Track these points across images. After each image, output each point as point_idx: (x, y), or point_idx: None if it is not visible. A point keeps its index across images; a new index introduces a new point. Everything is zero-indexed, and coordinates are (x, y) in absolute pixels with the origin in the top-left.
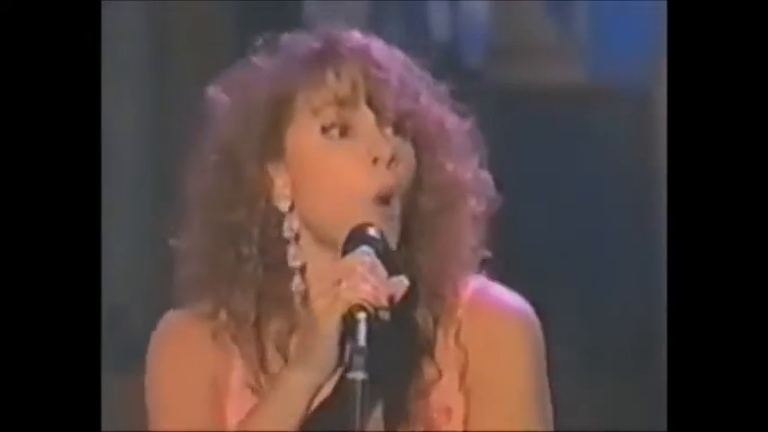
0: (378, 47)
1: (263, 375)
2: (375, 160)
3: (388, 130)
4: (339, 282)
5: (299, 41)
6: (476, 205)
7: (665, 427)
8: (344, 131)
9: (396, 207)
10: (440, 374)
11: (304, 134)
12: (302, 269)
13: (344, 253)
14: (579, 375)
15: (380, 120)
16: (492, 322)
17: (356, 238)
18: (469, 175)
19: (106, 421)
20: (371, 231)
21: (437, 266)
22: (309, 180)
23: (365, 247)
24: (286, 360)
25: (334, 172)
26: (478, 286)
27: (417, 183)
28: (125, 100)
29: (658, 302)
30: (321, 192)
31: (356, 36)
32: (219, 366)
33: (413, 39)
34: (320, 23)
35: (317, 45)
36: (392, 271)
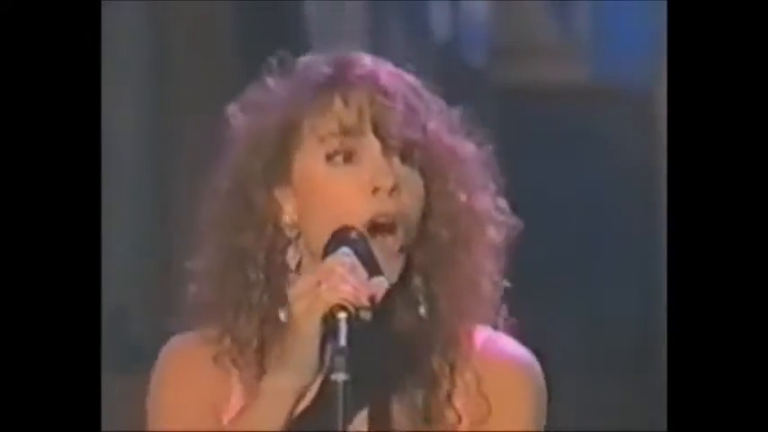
0: (386, 73)
1: None
2: (375, 190)
3: (395, 159)
4: (319, 283)
5: (313, 65)
6: (495, 235)
7: (665, 427)
8: (349, 158)
9: (399, 240)
10: (459, 419)
11: (310, 161)
12: None
13: (325, 255)
14: (579, 375)
15: (386, 148)
16: (500, 373)
17: (337, 240)
18: (486, 204)
19: (106, 421)
20: (353, 234)
21: (455, 301)
22: (314, 207)
23: (345, 248)
24: None
25: (335, 198)
26: (487, 337)
27: (429, 213)
28: (125, 100)
29: (658, 302)
30: (323, 219)
31: (366, 61)
32: (219, 391)
33: (414, 39)
34: (320, 24)
35: (327, 70)
36: (373, 272)
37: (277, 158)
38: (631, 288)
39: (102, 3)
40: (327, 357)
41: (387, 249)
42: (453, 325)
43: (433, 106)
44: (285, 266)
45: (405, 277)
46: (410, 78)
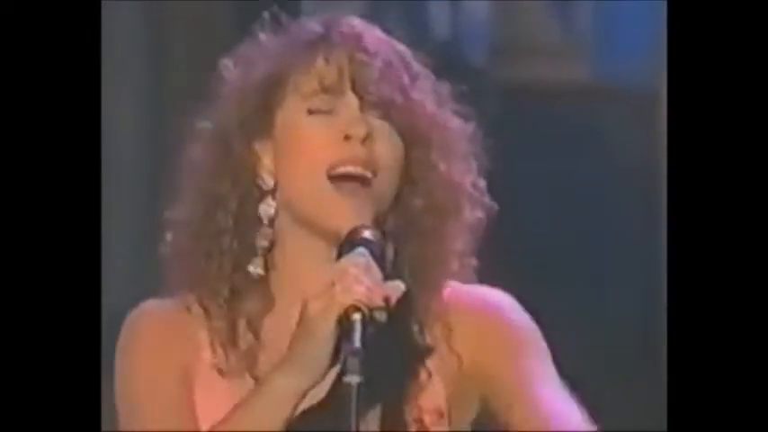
0: (371, 34)
1: (231, 352)
2: (347, 137)
3: (372, 113)
4: (333, 284)
5: (305, 25)
6: (469, 213)
7: (665, 427)
8: (329, 113)
9: (372, 195)
10: (429, 376)
11: (292, 114)
12: (271, 248)
13: (340, 255)
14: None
15: (363, 104)
16: (473, 315)
17: (351, 240)
18: (464, 179)
19: (106, 421)
20: (367, 233)
21: (422, 273)
22: (289, 155)
23: (361, 249)
24: (257, 337)
25: (308, 146)
26: (452, 289)
27: (406, 180)
28: (125, 100)
29: (658, 302)
30: (296, 166)
31: (354, 23)
32: (189, 349)
33: (414, 38)
34: None
35: (316, 29)
36: (389, 274)
37: (260, 112)
38: (631, 288)
39: (102, 3)
40: (341, 359)
41: (359, 202)
42: (419, 296)
43: (420, 75)
44: (257, 219)
45: None
46: (399, 46)
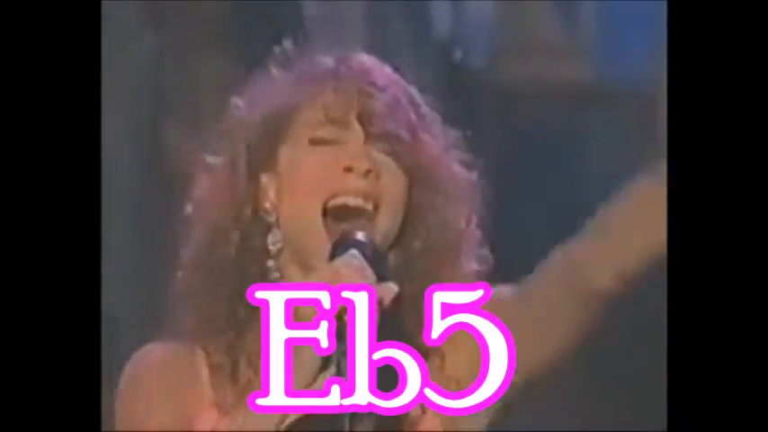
0: (381, 71)
1: (230, 389)
2: (348, 169)
3: (376, 147)
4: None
5: (316, 60)
6: (466, 262)
7: (665, 426)
8: (333, 144)
9: (372, 230)
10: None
11: (296, 145)
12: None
13: (333, 257)
14: (578, 375)
15: (367, 136)
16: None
17: (344, 242)
18: (465, 227)
19: (106, 423)
20: (359, 236)
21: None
22: (291, 185)
23: (353, 251)
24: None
25: (309, 176)
26: None
27: (409, 221)
28: (125, 100)
29: (658, 301)
30: (296, 196)
31: (364, 59)
32: (191, 389)
33: (416, 38)
34: (320, 24)
35: (327, 65)
36: (381, 275)
37: (266, 145)
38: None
39: (102, 3)
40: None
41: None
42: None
43: (428, 118)
44: (263, 250)
45: None
46: (408, 86)
